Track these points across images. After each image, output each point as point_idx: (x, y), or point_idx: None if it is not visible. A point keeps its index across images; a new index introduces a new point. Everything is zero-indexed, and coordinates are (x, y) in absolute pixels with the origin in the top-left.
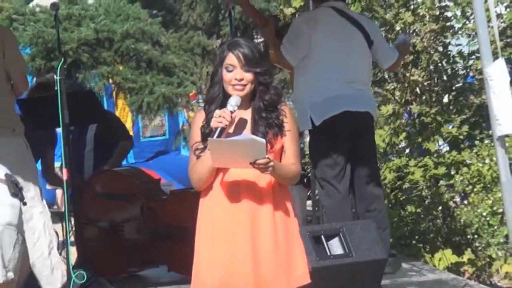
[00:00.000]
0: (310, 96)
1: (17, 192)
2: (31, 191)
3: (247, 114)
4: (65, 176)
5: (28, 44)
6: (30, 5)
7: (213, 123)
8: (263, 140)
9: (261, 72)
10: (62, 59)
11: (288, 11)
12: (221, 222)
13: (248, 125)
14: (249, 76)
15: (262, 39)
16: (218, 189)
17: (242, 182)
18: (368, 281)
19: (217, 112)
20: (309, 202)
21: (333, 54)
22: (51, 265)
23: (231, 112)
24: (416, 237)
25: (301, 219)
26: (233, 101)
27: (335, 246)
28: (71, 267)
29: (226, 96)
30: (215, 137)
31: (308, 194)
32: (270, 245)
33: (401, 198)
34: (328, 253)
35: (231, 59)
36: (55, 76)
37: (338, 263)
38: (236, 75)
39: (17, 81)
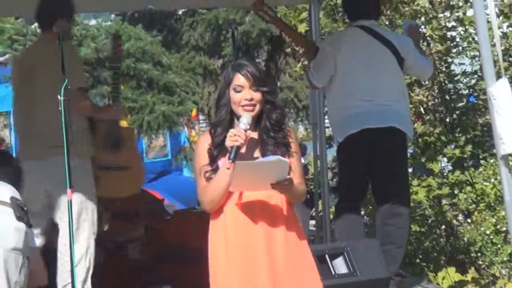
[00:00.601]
0: (333, 115)
1: (22, 215)
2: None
3: (254, 135)
4: (69, 196)
5: None
6: (32, 26)
7: (228, 143)
8: (288, 160)
9: (268, 91)
10: (66, 80)
11: (302, 27)
12: (236, 246)
13: (257, 145)
14: (258, 95)
15: (263, 60)
16: (231, 211)
17: (255, 202)
18: None
19: (232, 131)
20: (312, 222)
21: (356, 73)
22: None
23: (245, 131)
24: (420, 255)
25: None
26: (245, 120)
27: (339, 265)
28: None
29: (233, 118)
30: (231, 156)
31: (311, 213)
32: (288, 267)
33: None
34: (333, 272)
35: (239, 79)
36: (59, 97)
37: (343, 282)
38: (246, 95)
39: None
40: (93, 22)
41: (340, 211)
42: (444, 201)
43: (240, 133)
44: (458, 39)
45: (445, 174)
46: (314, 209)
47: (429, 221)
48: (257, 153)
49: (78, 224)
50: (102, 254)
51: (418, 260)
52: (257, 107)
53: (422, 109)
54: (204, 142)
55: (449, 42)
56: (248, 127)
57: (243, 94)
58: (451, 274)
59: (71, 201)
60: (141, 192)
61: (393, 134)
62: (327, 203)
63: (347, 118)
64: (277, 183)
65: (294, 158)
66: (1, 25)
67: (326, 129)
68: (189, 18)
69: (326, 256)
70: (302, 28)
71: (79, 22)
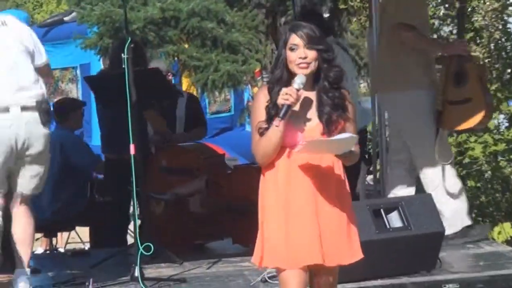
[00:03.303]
0: None
1: None
2: None
3: (312, 95)
4: (132, 151)
5: (96, 23)
6: None
7: (280, 101)
8: (357, 136)
9: (323, 49)
10: (129, 38)
11: None
12: (286, 200)
13: (314, 106)
14: (312, 53)
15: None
16: (283, 166)
17: (307, 159)
18: (427, 253)
19: (284, 90)
20: (370, 177)
21: None
22: None
23: (297, 90)
24: (476, 210)
25: (362, 193)
26: (299, 80)
27: (394, 219)
28: (138, 239)
29: (291, 77)
30: (281, 114)
31: (369, 169)
32: (334, 224)
33: (461, 173)
34: (388, 226)
35: (294, 39)
36: (122, 55)
37: (397, 236)
38: (301, 54)
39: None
40: None
41: None
42: (500, 157)
43: (292, 92)
44: None
45: (501, 130)
46: (372, 165)
47: (485, 176)
48: (312, 114)
49: None
50: (164, 207)
51: (473, 215)
52: (312, 65)
53: None
54: (262, 98)
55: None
56: (301, 86)
57: (298, 53)
58: (506, 229)
59: (134, 156)
60: (202, 146)
61: None
62: (385, 159)
63: None
64: (342, 154)
65: (349, 121)
66: None
67: None
68: None
69: (381, 210)
70: None
71: None
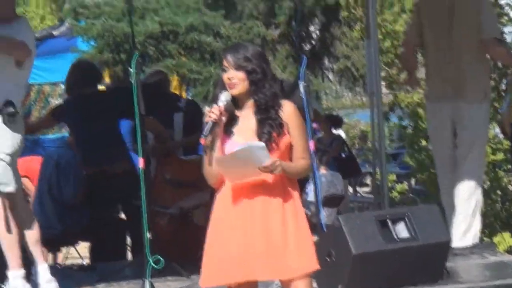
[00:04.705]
0: None
1: None
2: None
3: (251, 116)
4: (141, 165)
5: (95, 37)
6: None
7: (206, 119)
8: (261, 143)
9: (249, 70)
10: (137, 53)
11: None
12: (235, 217)
13: (252, 125)
14: (239, 74)
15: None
16: (230, 187)
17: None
18: (434, 263)
19: (207, 108)
20: (365, 189)
21: None
22: None
23: (219, 107)
24: None
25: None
26: (222, 97)
27: (401, 230)
28: (148, 252)
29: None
30: (204, 131)
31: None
32: (281, 236)
33: None
34: (395, 237)
35: (225, 61)
36: (129, 69)
37: (404, 246)
38: (228, 74)
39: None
40: None
41: None
42: (498, 168)
43: (215, 109)
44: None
45: (499, 140)
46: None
47: (484, 186)
48: (251, 132)
49: None
50: (168, 221)
51: None
52: (240, 86)
53: None
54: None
55: (499, 8)
56: (224, 103)
57: (227, 74)
58: (506, 239)
59: (143, 170)
60: None
61: None
62: (384, 171)
63: None
64: (264, 167)
65: (292, 133)
66: None
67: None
68: None
69: (388, 221)
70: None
71: None
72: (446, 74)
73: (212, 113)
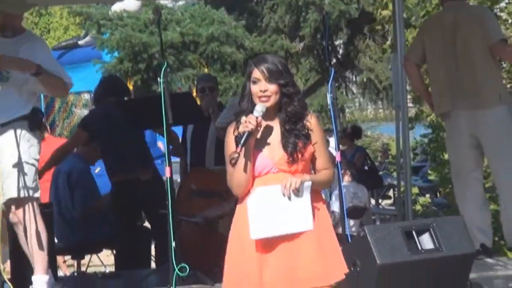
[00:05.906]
0: None
1: None
2: None
3: (276, 126)
4: (167, 174)
5: (116, 48)
6: (118, 10)
7: (241, 128)
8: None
9: (283, 83)
10: (165, 63)
11: (385, 12)
12: (245, 232)
13: (277, 135)
14: (273, 87)
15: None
16: None
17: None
18: (457, 275)
19: (243, 118)
20: (388, 201)
21: None
22: None
23: (256, 118)
24: (499, 233)
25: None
26: (259, 108)
27: (425, 241)
28: (174, 260)
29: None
30: (241, 140)
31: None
32: (311, 244)
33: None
34: (419, 248)
35: (256, 73)
36: (158, 79)
37: (428, 257)
38: (261, 87)
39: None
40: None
41: None
42: None
43: (251, 119)
44: None
45: None
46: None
47: None
48: (278, 143)
49: None
50: (192, 230)
51: (496, 238)
52: (273, 98)
53: None
54: (231, 131)
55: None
56: (261, 114)
57: (259, 86)
58: None
59: (169, 178)
60: None
61: None
62: (409, 184)
63: None
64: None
65: (316, 146)
66: (86, 9)
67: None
68: (269, 1)
69: (413, 232)
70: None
71: (164, 6)
72: (457, 86)
73: (249, 123)
